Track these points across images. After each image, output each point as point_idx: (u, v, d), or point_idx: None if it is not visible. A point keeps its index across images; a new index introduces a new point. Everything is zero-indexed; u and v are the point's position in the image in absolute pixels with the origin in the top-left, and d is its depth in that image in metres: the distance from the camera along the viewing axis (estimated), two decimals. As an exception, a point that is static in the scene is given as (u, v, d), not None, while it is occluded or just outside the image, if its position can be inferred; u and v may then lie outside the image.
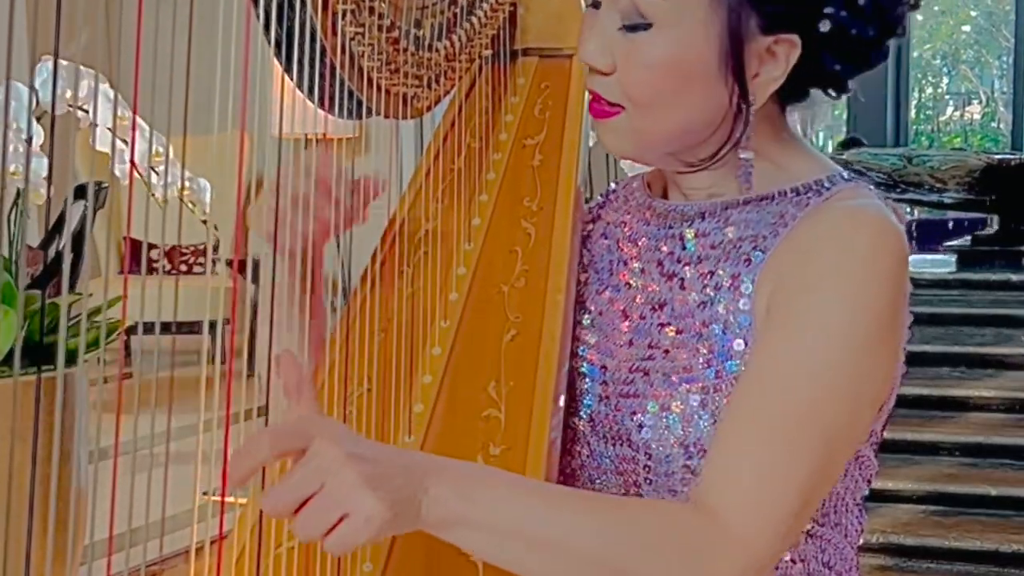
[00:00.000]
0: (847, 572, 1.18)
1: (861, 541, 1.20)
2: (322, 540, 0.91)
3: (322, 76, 1.13)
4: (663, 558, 1.00)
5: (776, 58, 1.10)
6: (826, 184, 1.13)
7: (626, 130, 1.14)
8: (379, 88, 1.19)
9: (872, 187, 1.16)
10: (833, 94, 1.16)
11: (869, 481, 1.19)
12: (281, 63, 1.10)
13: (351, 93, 1.17)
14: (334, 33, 1.13)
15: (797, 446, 1.02)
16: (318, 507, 0.90)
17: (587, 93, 1.16)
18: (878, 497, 3.25)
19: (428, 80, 1.24)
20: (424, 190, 1.31)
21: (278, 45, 1.10)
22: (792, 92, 1.15)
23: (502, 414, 1.13)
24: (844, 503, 1.17)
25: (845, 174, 1.15)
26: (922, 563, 3.16)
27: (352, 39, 1.14)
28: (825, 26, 1.09)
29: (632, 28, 1.10)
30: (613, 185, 1.31)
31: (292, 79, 1.11)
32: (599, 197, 1.32)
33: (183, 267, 5.43)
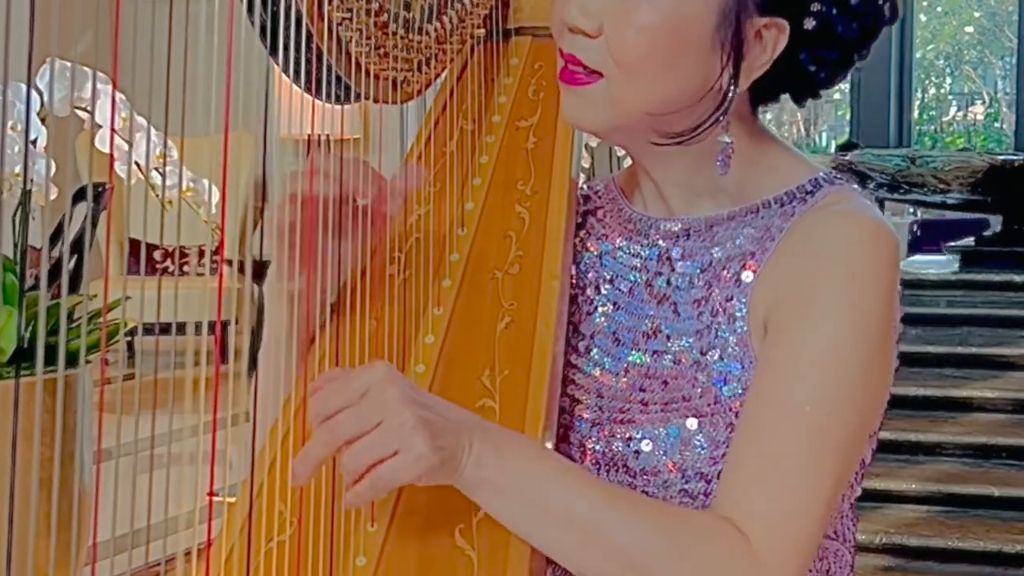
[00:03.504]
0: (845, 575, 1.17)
1: (863, 541, 1.19)
2: (362, 476, 0.96)
3: (309, 62, 1.10)
4: (688, 568, 1.01)
5: (763, 43, 1.08)
6: (809, 188, 1.12)
7: (603, 100, 1.09)
8: (368, 73, 1.16)
9: (856, 186, 1.15)
10: (801, 101, 1.15)
11: (860, 483, 1.17)
12: (266, 48, 1.08)
13: (339, 78, 1.14)
14: (320, 18, 1.10)
15: (815, 465, 1.03)
16: (374, 441, 0.96)
17: (558, 58, 1.11)
18: (881, 497, 3.25)
19: (419, 63, 1.21)
20: None
21: (263, 30, 1.07)
22: (765, 90, 1.14)
23: (497, 404, 1.10)
24: (840, 509, 1.15)
25: (828, 175, 1.13)
26: (925, 563, 3.16)
27: (340, 24, 1.12)
28: (810, 23, 1.08)
29: None
30: (585, 188, 1.27)
31: (278, 64, 1.08)
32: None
33: (185, 268, 5.42)
